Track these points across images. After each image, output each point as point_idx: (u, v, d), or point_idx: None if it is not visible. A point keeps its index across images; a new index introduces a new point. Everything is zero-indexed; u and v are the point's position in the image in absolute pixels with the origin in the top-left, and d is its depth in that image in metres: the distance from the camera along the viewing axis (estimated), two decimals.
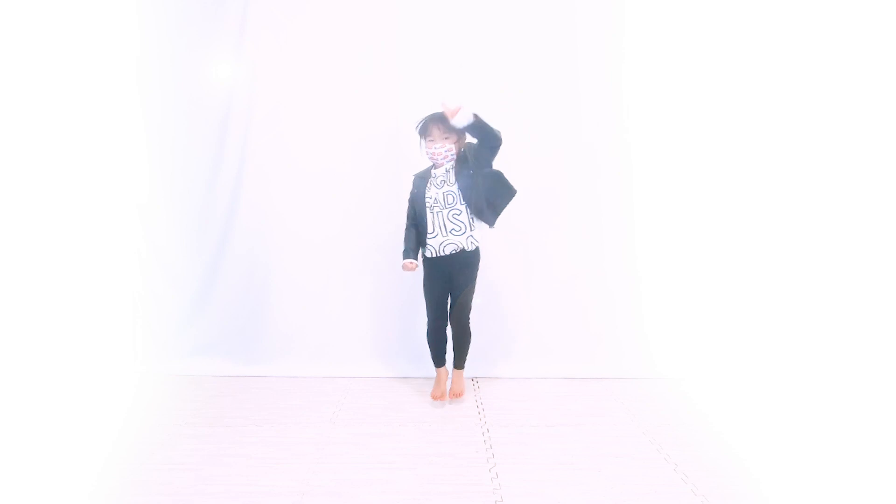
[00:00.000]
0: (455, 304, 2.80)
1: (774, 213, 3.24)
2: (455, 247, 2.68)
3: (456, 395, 2.86)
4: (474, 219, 2.69)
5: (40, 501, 2.00)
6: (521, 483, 2.08)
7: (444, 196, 2.66)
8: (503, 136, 2.60)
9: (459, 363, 2.91)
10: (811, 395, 2.95)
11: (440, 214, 2.67)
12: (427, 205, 2.69)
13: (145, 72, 3.29)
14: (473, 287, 2.79)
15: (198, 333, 3.38)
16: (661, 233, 3.28)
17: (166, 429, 2.56)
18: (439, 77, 3.21)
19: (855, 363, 3.11)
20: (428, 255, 2.74)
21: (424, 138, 2.70)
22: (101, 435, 2.52)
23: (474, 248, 2.72)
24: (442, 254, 2.70)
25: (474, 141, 2.65)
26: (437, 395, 2.87)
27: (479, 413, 2.76)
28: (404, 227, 2.80)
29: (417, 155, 2.81)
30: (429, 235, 2.70)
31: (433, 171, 2.73)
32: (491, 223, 2.72)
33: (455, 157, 2.70)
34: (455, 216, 2.66)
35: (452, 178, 2.67)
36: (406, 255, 2.72)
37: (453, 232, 2.66)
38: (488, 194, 2.67)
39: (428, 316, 2.86)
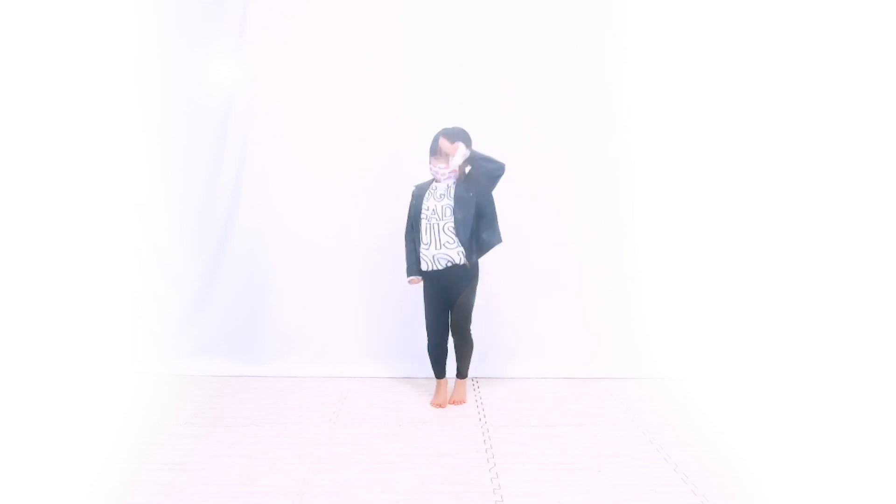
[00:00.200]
0: (455, 316, 2.81)
1: (774, 214, 3.24)
2: (448, 260, 2.70)
3: (457, 402, 2.87)
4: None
5: (40, 501, 1.99)
6: (521, 483, 2.08)
7: (442, 209, 2.70)
8: (507, 156, 2.65)
9: (461, 373, 2.92)
10: (811, 394, 2.95)
11: (436, 226, 2.70)
12: (423, 215, 2.72)
13: (145, 72, 3.29)
14: (473, 300, 2.81)
15: (198, 333, 3.38)
16: (660, 233, 3.28)
17: (166, 429, 2.56)
18: (439, 77, 3.22)
19: (855, 363, 3.11)
20: (423, 268, 2.75)
21: (432, 155, 2.73)
22: (102, 435, 2.52)
23: (465, 262, 2.72)
24: (437, 267, 2.72)
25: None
26: (438, 404, 2.87)
27: (479, 413, 2.76)
28: (404, 242, 2.82)
29: (417, 155, 2.81)
30: (423, 246, 2.72)
31: (434, 184, 2.77)
32: (472, 259, 2.71)
33: (457, 176, 2.74)
34: (449, 229, 2.68)
35: (452, 193, 2.70)
36: (409, 272, 2.79)
37: (447, 245, 2.69)
38: (481, 225, 2.69)
39: (428, 331, 2.87)
